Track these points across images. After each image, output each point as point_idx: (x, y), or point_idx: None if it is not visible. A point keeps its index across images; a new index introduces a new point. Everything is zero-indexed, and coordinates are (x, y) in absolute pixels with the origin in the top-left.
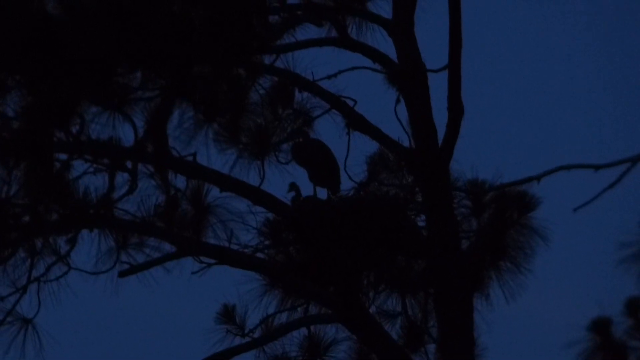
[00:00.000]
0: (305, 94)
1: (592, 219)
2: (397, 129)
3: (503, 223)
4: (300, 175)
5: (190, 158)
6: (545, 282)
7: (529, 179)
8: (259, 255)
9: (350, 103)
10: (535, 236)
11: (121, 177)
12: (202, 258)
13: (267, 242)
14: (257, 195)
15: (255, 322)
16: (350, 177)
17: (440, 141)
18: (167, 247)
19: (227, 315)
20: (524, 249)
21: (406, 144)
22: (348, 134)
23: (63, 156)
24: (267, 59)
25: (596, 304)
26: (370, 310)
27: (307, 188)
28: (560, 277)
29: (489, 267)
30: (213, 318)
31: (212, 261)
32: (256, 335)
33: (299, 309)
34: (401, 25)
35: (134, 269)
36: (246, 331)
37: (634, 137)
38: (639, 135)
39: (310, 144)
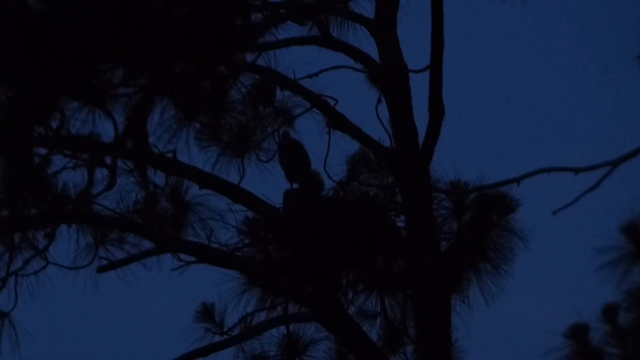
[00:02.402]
0: (287, 93)
1: (571, 222)
2: (378, 128)
3: (483, 225)
4: (281, 174)
5: (170, 155)
6: (524, 285)
7: (508, 181)
8: (238, 253)
9: (331, 102)
10: (514, 238)
11: (100, 173)
12: (182, 256)
13: (246, 241)
14: (236, 193)
15: (234, 320)
16: (330, 177)
17: (420, 142)
18: (147, 244)
19: (206, 313)
20: (504, 251)
21: (387, 144)
22: (329, 133)
23: (42, 151)
24: (249, 57)
25: (574, 309)
26: (349, 311)
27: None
28: (539, 280)
29: (468, 268)
30: (192, 316)
31: (192, 259)
32: (235, 333)
33: (277, 307)
34: (383, 25)
35: (112, 265)
36: (225, 329)
37: (614, 141)
38: (619, 139)
39: (290, 145)
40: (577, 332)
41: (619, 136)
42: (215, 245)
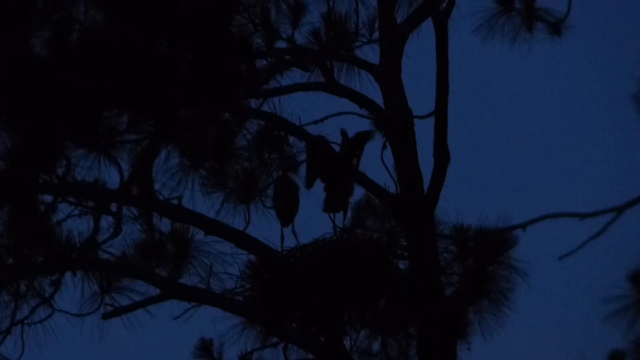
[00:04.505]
0: (292, 139)
1: (577, 268)
2: (383, 174)
3: (484, 264)
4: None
5: (175, 201)
6: (528, 330)
7: (514, 227)
8: (240, 298)
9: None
10: (514, 274)
11: (106, 221)
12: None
13: (248, 285)
14: (241, 239)
15: (232, 356)
16: (334, 223)
17: (426, 187)
18: (152, 290)
19: (205, 349)
20: (503, 288)
21: (392, 190)
22: None
23: (48, 198)
24: (254, 104)
25: (579, 355)
26: (350, 351)
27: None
28: (544, 325)
29: (471, 311)
30: (191, 352)
31: (194, 303)
32: None
33: (277, 346)
34: (388, 71)
35: (117, 311)
36: None
37: (619, 186)
38: (624, 185)
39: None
40: None
41: (624, 182)
42: (218, 290)
